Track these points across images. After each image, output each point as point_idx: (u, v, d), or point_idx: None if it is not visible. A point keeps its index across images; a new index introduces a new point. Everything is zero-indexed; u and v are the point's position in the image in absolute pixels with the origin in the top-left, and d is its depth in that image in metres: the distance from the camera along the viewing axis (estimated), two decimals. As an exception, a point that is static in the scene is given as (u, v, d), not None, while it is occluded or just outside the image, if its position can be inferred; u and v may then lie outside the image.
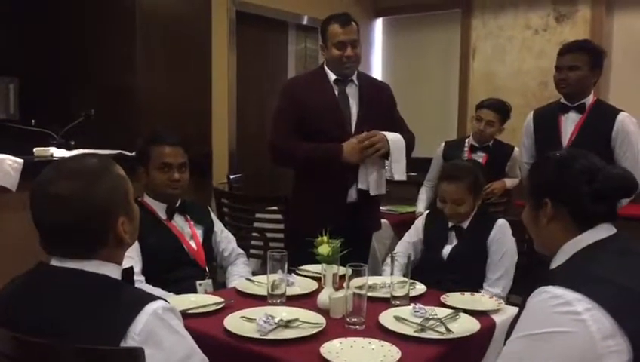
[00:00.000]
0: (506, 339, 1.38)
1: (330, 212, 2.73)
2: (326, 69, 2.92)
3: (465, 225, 2.58)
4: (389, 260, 2.44)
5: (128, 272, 1.40)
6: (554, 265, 1.44)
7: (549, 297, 1.25)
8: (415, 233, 2.71)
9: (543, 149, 3.21)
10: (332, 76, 2.89)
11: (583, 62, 2.99)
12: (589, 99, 3.07)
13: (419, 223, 2.73)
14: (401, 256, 2.34)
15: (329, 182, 2.83)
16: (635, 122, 3.02)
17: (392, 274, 2.21)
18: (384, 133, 2.80)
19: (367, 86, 2.94)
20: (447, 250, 2.56)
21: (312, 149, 2.81)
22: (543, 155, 3.31)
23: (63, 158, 1.45)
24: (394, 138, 2.83)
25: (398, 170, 2.84)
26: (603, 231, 1.41)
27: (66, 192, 1.29)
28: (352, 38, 2.82)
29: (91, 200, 1.30)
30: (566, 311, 1.22)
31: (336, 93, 2.88)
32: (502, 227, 2.53)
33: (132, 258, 2.26)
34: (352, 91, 2.90)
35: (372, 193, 2.84)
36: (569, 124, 3.08)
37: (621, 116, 2.99)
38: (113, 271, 1.34)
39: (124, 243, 1.37)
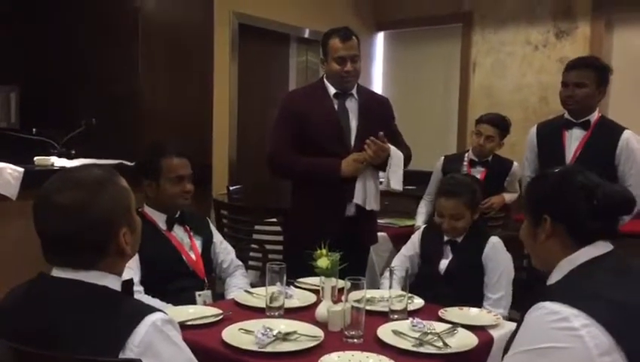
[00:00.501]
0: (503, 355, 1.39)
1: (328, 225, 2.74)
2: (326, 82, 2.92)
3: (459, 239, 2.58)
4: (387, 273, 2.44)
5: (128, 284, 1.41)
6: (551, 281, 1.45)
7: (547, 313, 1.26)
8: (412, 247, 2.71)
9: (546, 164, 3.21)
10: (332, 90, 2.89)
11: (589, 79, 2.99)
12: (594, 116, 3.07)
13: (415, 237, 2.73)
14: (399, 269, 2.34)
15: (328, 196, 2.83)
16: (639, 139, 3.02)
17: (390, 287, 2.21)
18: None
19: (367, 100, 2.95)
20: (443, 264, 2.56)
21: (311, 164, 2.82)
22: (543, 171, 3.32)
23: (67, 168, 1.46)
24: (394, 149, 2.84)
25: (395, 179, 2.83)
26: (600, 248, 1.42)
27: (69, 202, 1.30)
28: (352, 53, 2.83)
29: (94, 210, 1.31)
30: (563, 327, 1.23)
31: (336, 107, 2.88)
32: (495, 245, 2.53)
33: (131, 268, 2.26)
34: (351, 105, 2.90)
35: (368, 208, 2.84)
36: (573, 140, 3.08)
37: (626, 134, 3.00)
38: (113, 283, 1.35)
39: (126, 254, 1.38)
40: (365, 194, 2.83)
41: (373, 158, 2.76)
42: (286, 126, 2.89)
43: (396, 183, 2.84)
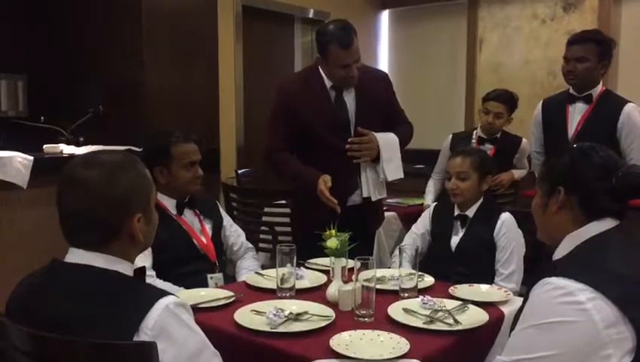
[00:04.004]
0: (511, 331, 1.40)
1: (330, 217, 2.48)
2: (322, 73, 2.74)
3: (470, 213, 2.58)
4: (397, 252, 2.45)
5: (141, 271, 1.43)
6: (557, 254, 1.45)
7: (553, 288, 1.27)
8: (422, 225, 2.72)
9: (550, 139, 3.20)
10: (328, 82, 2.74)
11: (591, 53, 2.97)
12: (597, 90, 3.05)
13: (426, 215, 2.75)
14: (409, 248, 2.35)
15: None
16: None
17: (400, 266, 2.22)
18: (375, 135, 2.72)
19: (364, 83, 2.76)
20: (454, 241, 2.57)
21: (296, 172, 2.76)
22: (551, 145, 3.29)
23: (93, 151, 1.51)
24: (384, 138, 2.74)
25: (391, 171, 2.77)
26: (607, 223, 1.41)
27: (91, 177, 1.33)
28: (356, 57, 2.65)
29: (113, 188, 1.34)
30: (569, 301, 1.24)
31: (333, 99, 2.74)
32: (507, 221, 2.53)
33: (143, 253, 2.27)
34: (348, 95, 2.76)
35: (374, 199, 2.80)
36: (576, 114, 3.07)
37: (628, 107, 2.96)
38: (126, 269, 1.37)
39: (137, 241, 1.39)
40: (369, 187, 2.78)
41: (364, 155, 2.71)
42: (281, 121, 2.77)
43: (392, 175, 2.78)
